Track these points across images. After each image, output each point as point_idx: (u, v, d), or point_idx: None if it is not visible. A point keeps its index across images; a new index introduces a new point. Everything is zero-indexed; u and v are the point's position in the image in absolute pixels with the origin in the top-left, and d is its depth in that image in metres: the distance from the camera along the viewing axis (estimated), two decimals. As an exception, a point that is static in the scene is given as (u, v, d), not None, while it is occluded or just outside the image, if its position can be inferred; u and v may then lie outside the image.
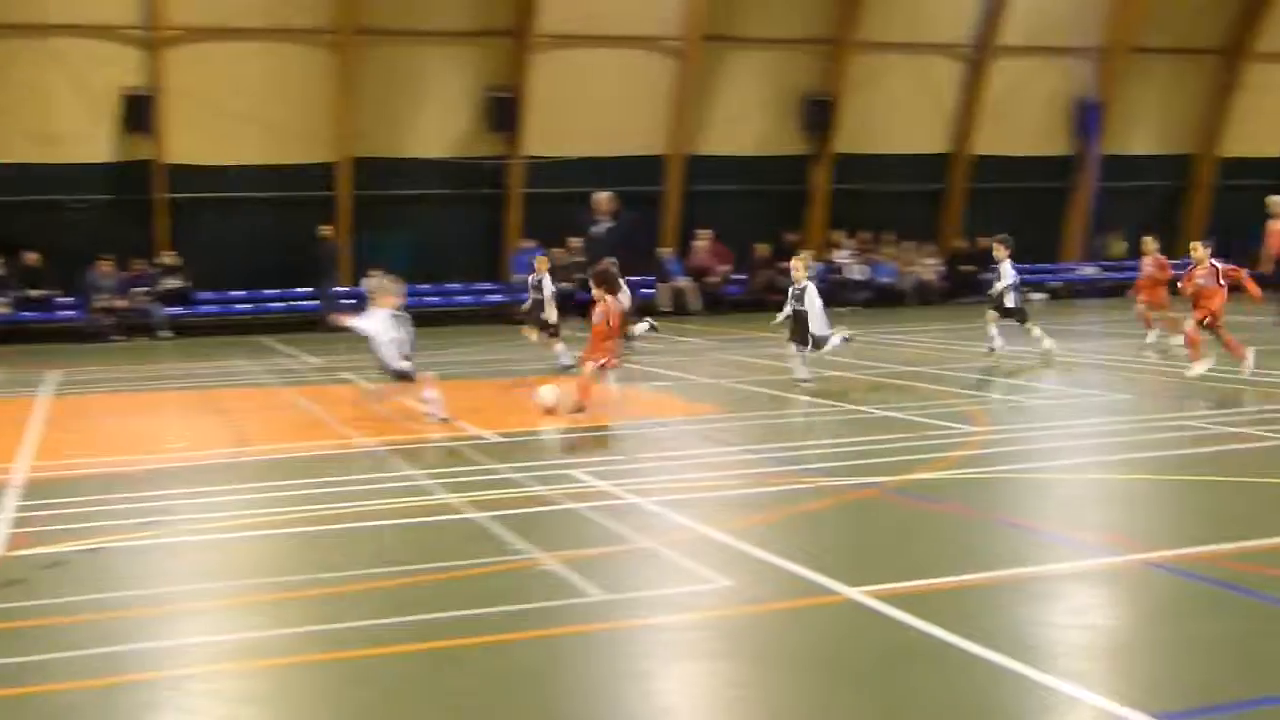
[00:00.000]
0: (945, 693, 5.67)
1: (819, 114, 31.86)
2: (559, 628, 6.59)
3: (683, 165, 31.24)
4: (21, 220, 26.64)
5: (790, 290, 16.17)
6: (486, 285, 30.59)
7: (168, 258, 27.57)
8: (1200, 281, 16.27)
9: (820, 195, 32.70)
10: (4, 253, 26.31)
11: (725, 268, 31.27)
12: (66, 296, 27.00)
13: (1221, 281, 16.17)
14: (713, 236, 31.11)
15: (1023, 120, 33.66)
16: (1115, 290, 33.49)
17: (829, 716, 5.45)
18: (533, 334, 18.88)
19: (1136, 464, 10.79)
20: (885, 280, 32.24)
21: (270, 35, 27.82)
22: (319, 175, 28.65)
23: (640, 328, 18.19)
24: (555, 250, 29.36)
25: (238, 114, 27.67)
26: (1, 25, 26.11)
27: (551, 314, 18.44)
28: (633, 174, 29.66)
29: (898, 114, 32.74)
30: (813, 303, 15.71)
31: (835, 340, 15.98)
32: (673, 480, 10.28)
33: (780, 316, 16.23)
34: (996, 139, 33.31)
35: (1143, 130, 35.08)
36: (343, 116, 28.27)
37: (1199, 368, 15.52)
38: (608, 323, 14.21)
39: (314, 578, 7.67)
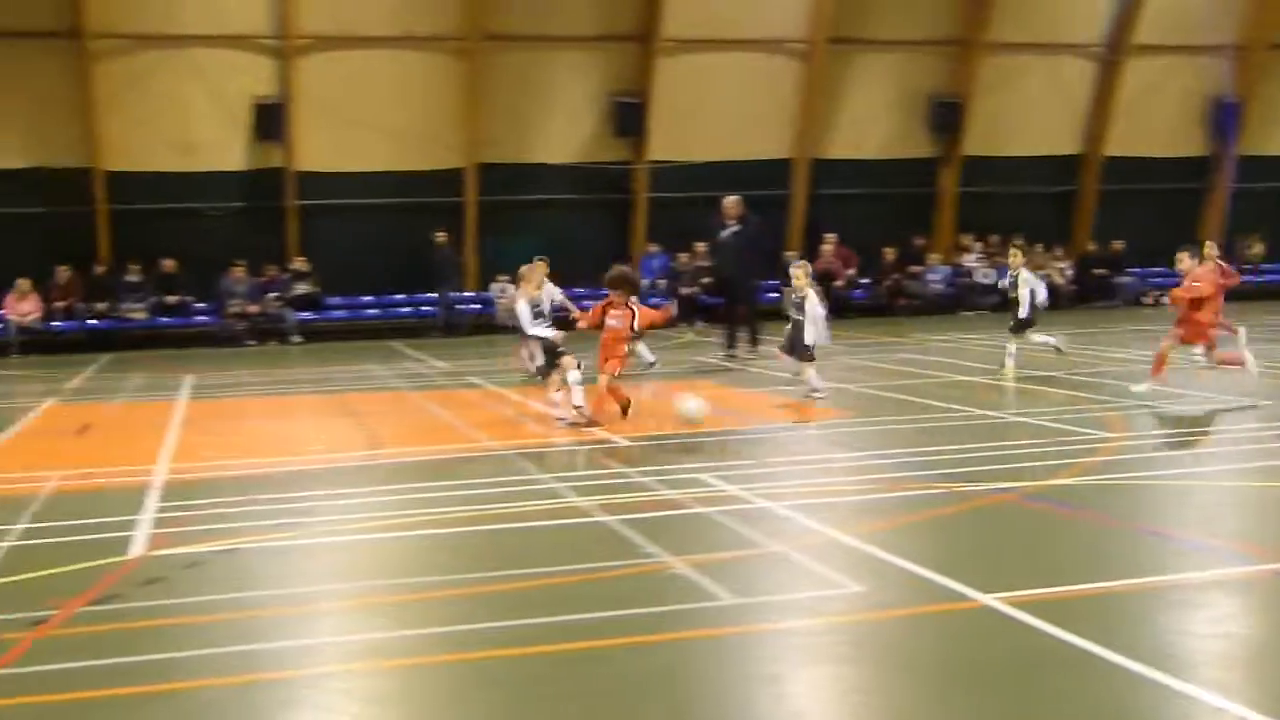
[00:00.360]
0: (1081, 701, 5.56)
1: (947, 116, 31.53)
2: (690, 631, 6.58)
3: (808, 169, 31.11)
4: (159, 228, 27.35)
5: (790, 297, 15.80)
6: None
7: (298, 263, 28.10)
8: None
9: (948, 198, 32.37)
10: (141, 260, 27.00)
11: (851, 272, 31.06)
12: (201, 302, 27.65)
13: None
14: (838, 240, 30.92)
15: (1156, 120, 32.99)
16: (1253, 295, 32.72)
17: (963, 718, 5.37)
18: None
19: (1276, 471, 10.51)
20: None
21: (398, 43, 28.20)
22: (446, 181, 28.99)
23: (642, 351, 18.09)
24: (681, 256, 29.50)
25: (366, 121, 28.12)
26: (141, 36, 26.79)
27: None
28: (758, 178, 29.57)
29: (1028, 115, 32.29)
30: (813, 311, 15.32)
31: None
32: (803, 485, 10.22)
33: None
34: (1129, 139, 32.68)
35: (1283, 130, 34.21)
36: (469, 123, 28.58)
37: None
38: (631, 326, 14.17)
39: (445, 579, 7.75)
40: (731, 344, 21.22)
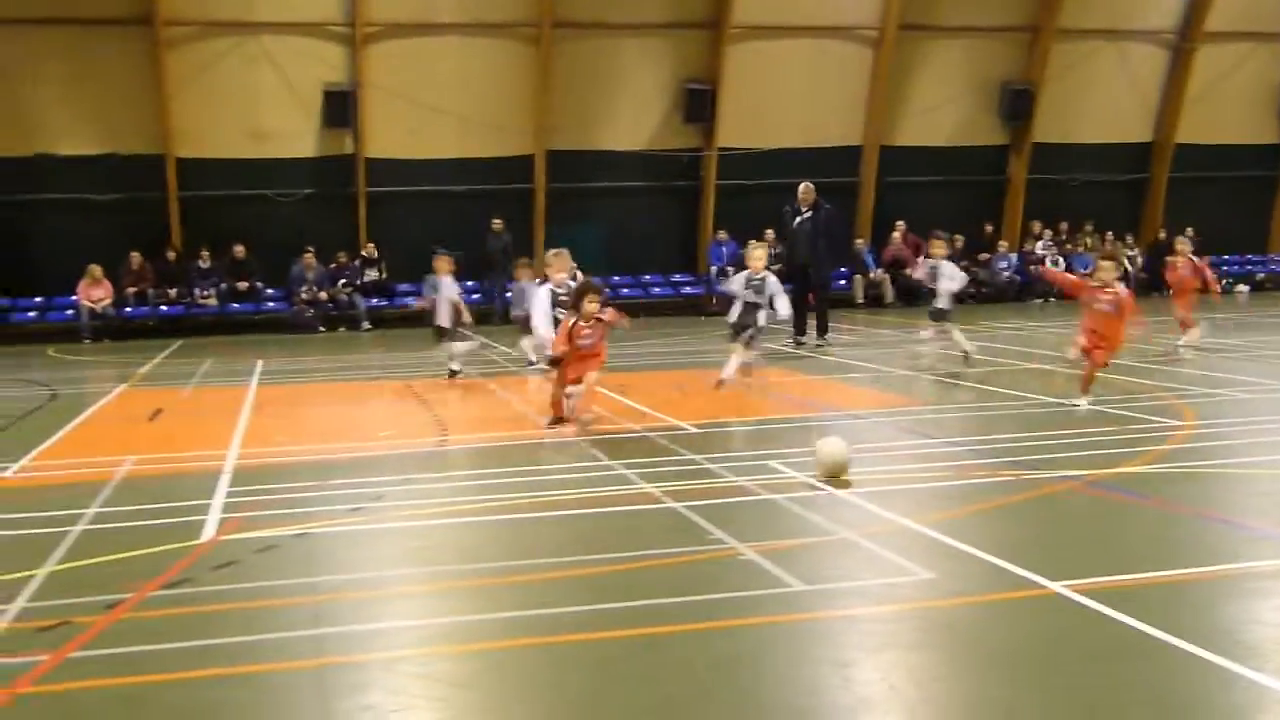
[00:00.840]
0: (1154, 689, 5.55)
1: (1018, 103, 31.32)
2: (760, 617, 6.61)
3: (877, 156, 30.99)
4: (229, 214, 27.70)
5: (747, 278, 15.36)
6: (682, 276, 30.74)
7: (368, 250, 28.32)
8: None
9: (1017, 185, 32.16)
10: (212, 246, 27.33)
11: (920, 260, 30.90)
12: (271, 288, 27.94)
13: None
14: (906, 228, 30.79)
15: (1228, 108, 32.61)
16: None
17: (1030, 710, 5.37)
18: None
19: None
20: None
21: (467, 30, 28.36)
22: (515, 168, 29.13)
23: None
24: (754, 242, 29.47)
25: (435, 108, 28.33)
26: (215, 23, 27.14)
27: (443, 316, 17.49)
28: (828, 165, 29.50)
29: (1098, 102, 32.02)
30: (777, 295, 15.10)
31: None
32: (871, 472, 10.20)
33: (723, 289, 16.13)
34: (1200, 127, 32.34)
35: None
36: (538, 109, 28.70)
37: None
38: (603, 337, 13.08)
39: (517, 564, 7.82)
40: (802, 331, 21.16)
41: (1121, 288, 13.72)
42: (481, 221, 28.21)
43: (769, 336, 22.28)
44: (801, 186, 21.20)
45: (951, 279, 18.08)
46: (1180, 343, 18.61)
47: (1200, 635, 6.04)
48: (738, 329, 15.27)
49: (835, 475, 9.79)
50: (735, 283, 15.55)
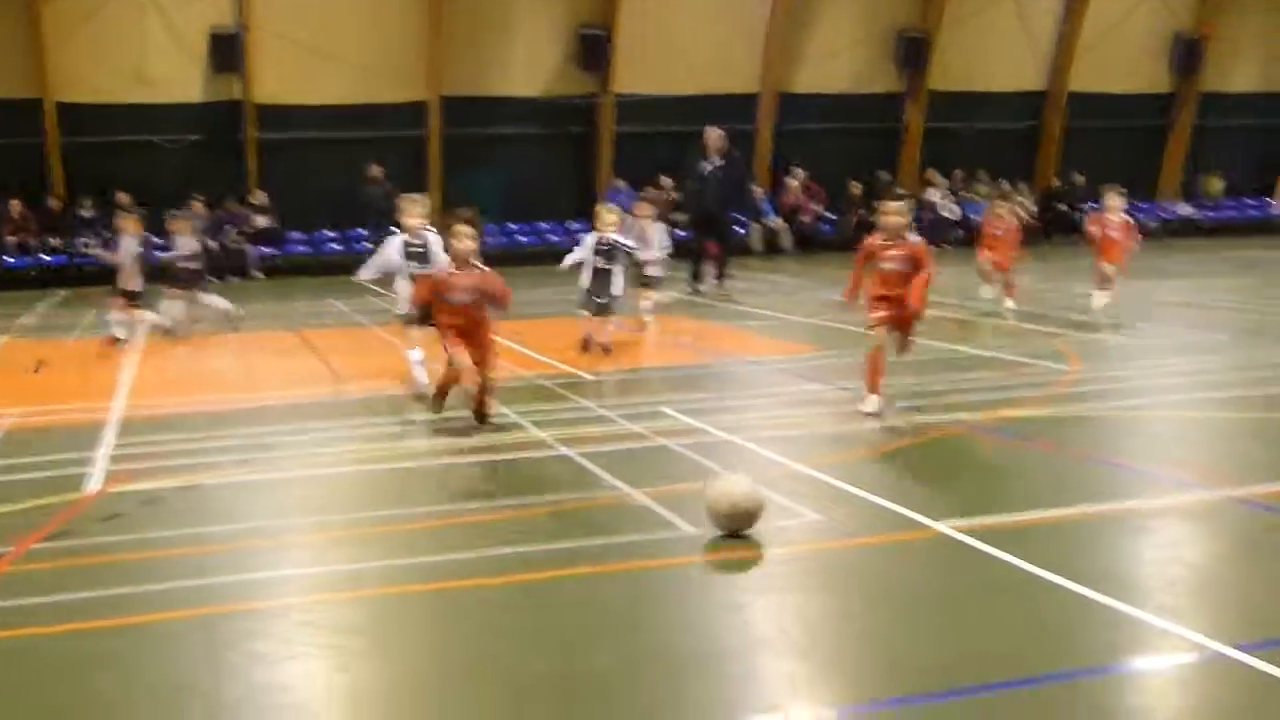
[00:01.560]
0: (1035, 624, 5.64)
1: (914, 51, 31.51)
2: (653, 561, 6.62)
3: (775, 103, 31.02)
4: (114, 161, 27.02)
5: (596, 242, 14.02)
6: (580, 224, 30.64)
7: (258, 198, 27.87)
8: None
9: (914, 133, 32.37)
10: (96, 194, 26.70)
11: (818, 207, 31.07)
12: (159, 237, 27.37)
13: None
14: (805, 176, 30.92)
15: (1121, 57, 33.07)
16: (1213, 230, 32.94)
17: (919, 646, 5.44)
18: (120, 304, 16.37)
19: (1229, 402, 10.62)
20: (978, 219, 31.86)
21: (359, -29, 27.92)
22: (409, 114, 28.79)
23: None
24: (652, 190, 29.37)
25: (326, 53, 27.89)
26: (94, -35, 26.45)
27: (133, 280, 16.37)
28: (724, 112, 29.40)
29: (994, 51, 32.32)
30: (617, 275, 14.00)
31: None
32: (765, 417, 10.26)
33: (569, 262, 14.36)
34: (1094, 76, 32.76)
35: (1245, 67, 34.30)
36: (432, 55, 28.38)
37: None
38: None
39: (409, 511, 7.77)
40: (699, 278, 21.17)
41: (913, 238, 10.84)
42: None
43: (667, 285, 22.35)
44: (715, 134, 20.94)
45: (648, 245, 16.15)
46: (1099, 302, 16.48)
47: (1082, 573, 6.14)
48: (588, 298, 14.08)
49: (740, 524, 7.00)
50: (582, 249, 14.19)
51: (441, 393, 10.46)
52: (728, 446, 9.26)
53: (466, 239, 9.98)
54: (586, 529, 7.23)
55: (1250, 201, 34.02)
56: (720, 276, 21.30)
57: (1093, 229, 17.30)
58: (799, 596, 6.13)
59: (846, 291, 10.86)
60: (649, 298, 16.20)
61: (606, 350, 13.82)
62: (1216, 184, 34.13)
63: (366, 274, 12.83)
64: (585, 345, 14.08)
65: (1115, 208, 17.08)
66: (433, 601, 6.18)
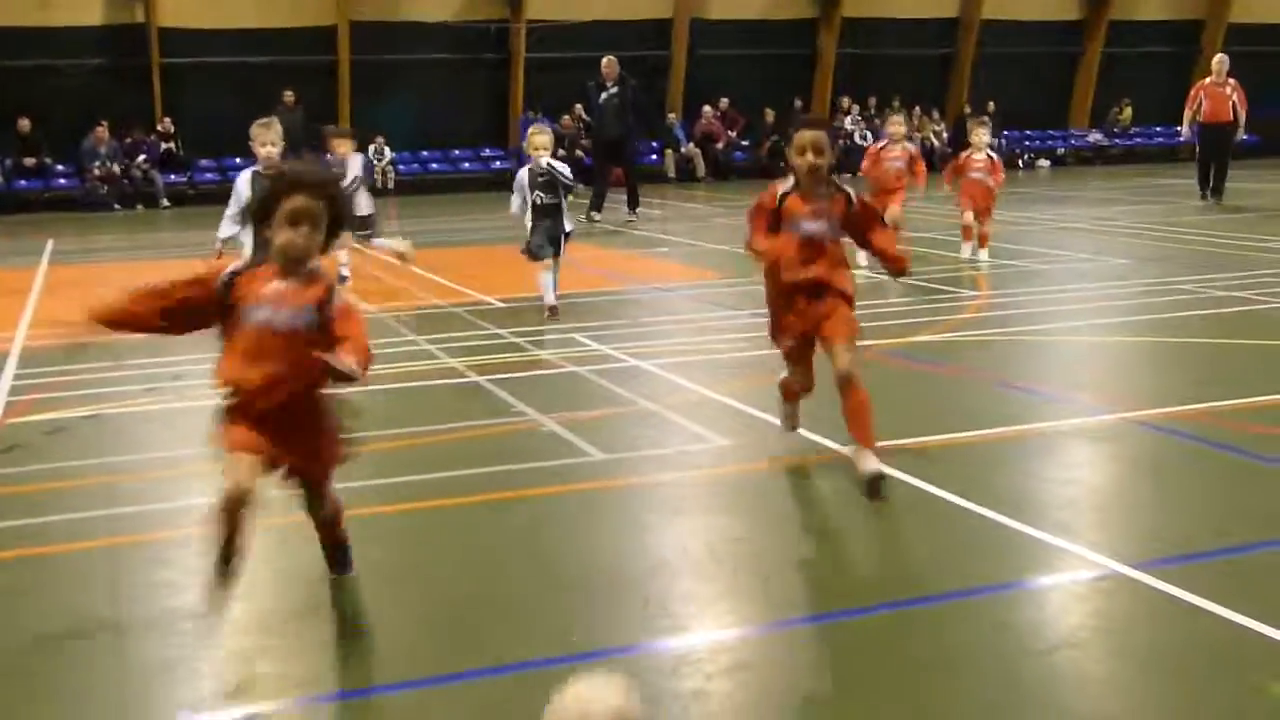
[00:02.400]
0: (939, 545, 5.75)
1: (826, -24, 31.45)
2: (560, 486, 6.65)
3: (688, 29, 30.86)
4: (13, 86, 26.31)
5: (531, 176, 11.65)
6: (493, 151, 30.42)
7: (164, 125, 27.36)
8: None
9: (827, 60, 32.37)
10: (-7, 119, 26.05)
11: (732, 134, 31.05)
12: (61, 165, 26.83)
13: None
14: (719, 103, 30.86)
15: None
16: (1121, 158, 33.33)
17: (824, 567, 5.53)
18: None
19: (1133, 326, 10.81)
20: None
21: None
22: (318, 39, 28.33)
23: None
24: (564, 119, 29.19)
25: (232, -26, 27.33)
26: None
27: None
28: (638, 39, 29.36)
29: (906, -23, 32.33)
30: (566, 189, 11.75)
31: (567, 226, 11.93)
32: (674, 343, 10.31)
33: (519, 211, 11.81)
34: (1006, 3, 32.87)
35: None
36: (341, -22, 27.90)
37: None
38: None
39: (317, 439, 7.71)
40: (599, 208, 20.95)
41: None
42: (282, 95, 27.41)
43: (576, 213, 22.25)
44: (604, 61, 20.98)
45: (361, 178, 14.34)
46: (974, 256, 14.90)
47: (985, 495, 6.25)
48: (539, 245, 11.70)
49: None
50: (518, 190, 11.78)
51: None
52: (638, 372, 9.29)
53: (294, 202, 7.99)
54: (496, 456, 7.24)
55: (1159, 129, 34.41)
56: (630, 203, 21.19)
57: (949, 174, 15.53)
58: (705, 520, 6.19)
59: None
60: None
61: (554, 312, 11.62)
62: (1126, 111, 34.49)
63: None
64: (553, 310, 11.63)
65: (980, 144, 15.07)
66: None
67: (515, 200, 11.80)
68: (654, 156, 29.83)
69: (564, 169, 11.78)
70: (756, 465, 6.96)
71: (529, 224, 11.65)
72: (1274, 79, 30.87)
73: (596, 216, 20.77)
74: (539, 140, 11.78)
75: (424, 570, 5.60)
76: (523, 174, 11.75)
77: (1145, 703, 4.20)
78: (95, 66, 27.14)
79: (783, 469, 6.93)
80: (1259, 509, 6.07)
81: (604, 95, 20.98)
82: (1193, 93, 22.18)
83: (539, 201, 11.61)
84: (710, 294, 12.90)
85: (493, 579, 5.42)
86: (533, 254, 11.73)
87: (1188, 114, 21.97)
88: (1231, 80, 21.57)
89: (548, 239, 11.63)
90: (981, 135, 15.18)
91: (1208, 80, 22.00)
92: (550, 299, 11.66)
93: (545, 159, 11.62)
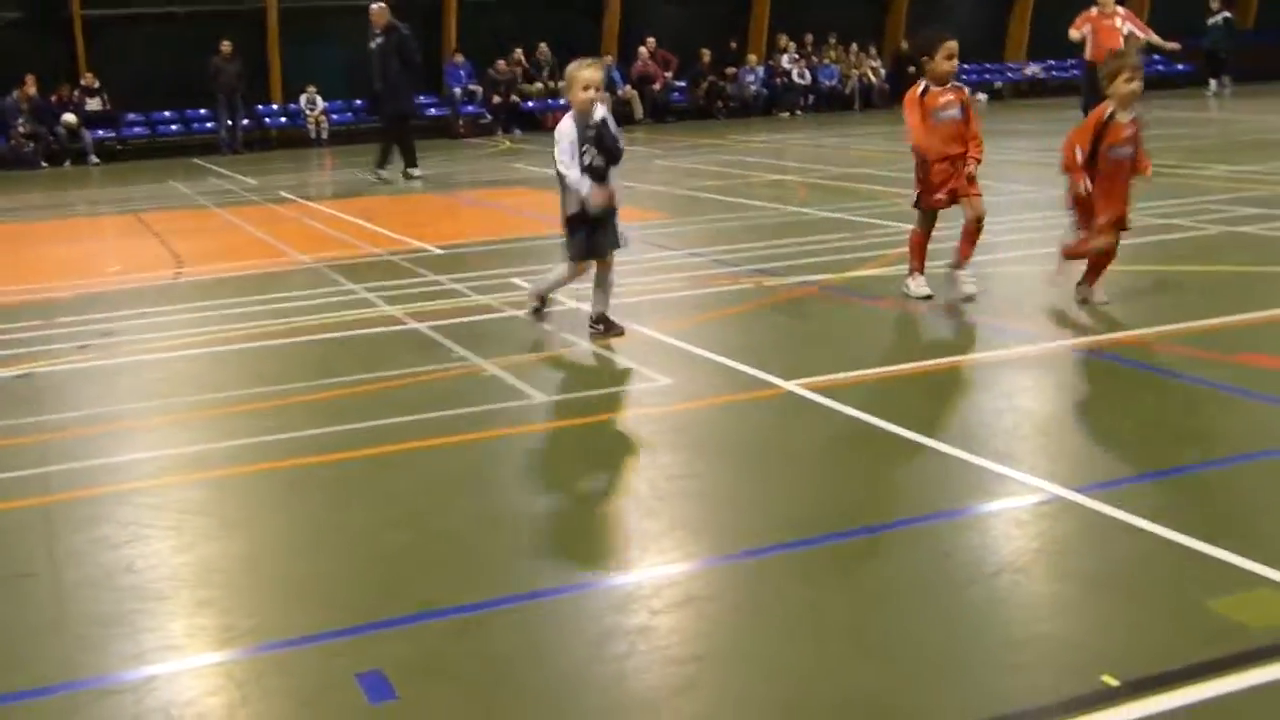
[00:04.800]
0: (882, 475, 5.76)
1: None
2: (502, 429, 6.61)
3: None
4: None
5: (573, 125, 8.21)
6: (426, 98, 30.11)
7: (87, 79, 26.87)
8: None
9: (762, -1, 32.26)
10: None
11: (669, 75, 30.90)
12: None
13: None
14: (655, 44, 30.68)
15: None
16: (1058, 90, 33.42)
17: (769, 500, 5.52)
18: None
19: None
20: (829, 84, 31.96)
21: None
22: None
23: None
24: (500, 63, 28.91)
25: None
26: None
27: None
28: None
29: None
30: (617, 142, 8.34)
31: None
32: (615, 285, 10.23)
33: (578, 183, 8.20)
34: (939, -64, 32.84)
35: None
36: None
37: None
38: None
39: (257, 391, 7.64)
40: (383, 164, 19.71)
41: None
42: (210, 45, 26.97)
43: (509, 156, 22.06)
44: (373, 8, 19.44)
45: None
46: None
47: (927, 425, 6.26)
48: (593, 235, 8.45)
49: None
50: (568, 148, 8.20)
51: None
52: (577, 314, 9.23)
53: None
54: (436, 401, 7.18)
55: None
56: (408, 161, 19.76)
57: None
58: (648, 457, 6.16)
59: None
60: None
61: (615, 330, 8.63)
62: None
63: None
64: (607, 324, 8.62)
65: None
66: (280, 479, 6.11)
67: (565, 156, 8.18)
68: (437, 111, 29.43)
69: (614, 125, 8.41)
70: (699, 403, 6.94)
71: (573, 201, 8.34)
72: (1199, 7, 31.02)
73: (382, 174, 19.53)
74: (587, 76, 8.23)
75: (366, 517, 5.55)
76: (567, 126, 8.23)
77: (1089, 623, 4.22)
78: (13, 20, 26.59)
79: (726, 406, 6.92)
80: (1195, 430, 6.12)
81: (372, 44, 19.47)
82: (1077, 22, 19.71)
83: (589, 162, 8.25)
84: (650, 235, 12.83)
85: (434, 522, 5.38)
86: (587, 251, 8.47)
87: (1074, 34, 19.67)
88: (1121, 10, 19.60)
89: (603, 226, 8.41)
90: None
91: (1094, 10, 19.43)
92: (596, 314, 8.66)
93: (601, 109, 8.24)
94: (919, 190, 9.22)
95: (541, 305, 8.89)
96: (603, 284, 8.59)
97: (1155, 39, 19.70)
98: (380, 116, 20.38)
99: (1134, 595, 4.38)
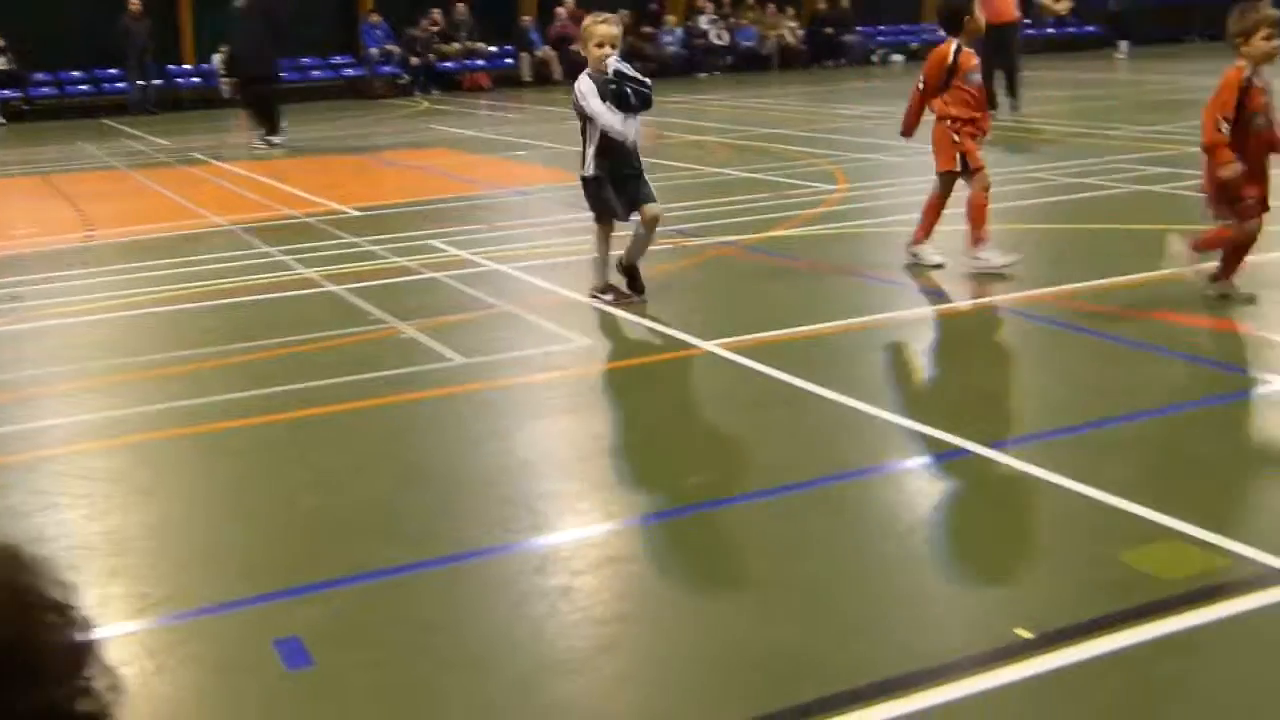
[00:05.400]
0: (802, 434, 5.79)
1: None
2: (420, 391, 6.57)
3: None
4: None
5: (590, 81, 7.97)
6: (342, 58, 29.77)
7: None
8: None
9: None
10: None
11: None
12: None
13: None
14: (574, 4, 30.45)
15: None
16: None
17: (690, 460, 5.54)
18: None
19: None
20: (747, 45, 31.94)
21: None
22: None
23: None
24: (423, 22, 28.61)
25: None
26: None
27: None
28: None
29: None
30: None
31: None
32: (534, 246, 10.22)
33: (618, 128, 7.90)
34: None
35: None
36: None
37: None
38: None
39: (174, 355, 7.54)
40: (274, 129, 18.83)
41: None
42: (120, 4, 26.40)
43: (430, 117, 21.85)
44: None
45: None
46: None
47: (845, 383, 6.29)
48: (613, 197, 8.11)
49: None
50: (591, 98, 7.91)
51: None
52: (497, 276, 9.20)
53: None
54: (355, 364, 7.12)
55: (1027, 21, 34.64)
56: (269, 129, 18.74)
57: None
58: (568, 419, 6.16)
59: None
60: None
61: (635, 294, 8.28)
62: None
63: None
64: (633, 280, 8.27)
65: None
66: (195, 444, 6.04)
67: (595, 103, 7.88)
68: (340, 71, 29.24)
69: (635, 74, 8.03)
70: (619, 364, 6.95)
71: (593, 160, 7.99)
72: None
73: (276, 140, 18.66)
74: (601, 31, 7.99)
75: (285, 481, 5.51)
76: (586, 83, 7.98)
77: (1002, 577, 4.28)
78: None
79: (646, 366, 6.92)
80: (1107, 386, 6.20)
81: (238, 2, 18.69)
82: None
83: (610, 123, 7.92)
84: (570, 196, 12.71)
85: (354, 486, 5.34)
86: (609, 209, 8.17)
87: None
88: None
89: (626, 185, 8.06)
90: None
91: None
92: (607, 277, 8.31)
93: (614, 60, 7.95)
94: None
95: (609, 289, 8.21)
96: (642, 246, 8.23)
97: (1049, 1, 18.76)
98: (240, 80, 19.42)
99: (1047, 549, 4.45)
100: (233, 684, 3.81)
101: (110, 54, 26.44)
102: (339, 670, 3.83)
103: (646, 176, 8.17)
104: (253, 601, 4.29)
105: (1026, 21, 18.01)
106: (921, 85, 8.82)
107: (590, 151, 8.00)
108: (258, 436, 6.07)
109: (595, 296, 8.17)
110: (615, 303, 8.10)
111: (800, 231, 10.38)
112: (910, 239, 8.93)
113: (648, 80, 8.05)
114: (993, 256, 8.48)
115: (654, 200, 8.13)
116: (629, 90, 7.88)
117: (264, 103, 18.76)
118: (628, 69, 8.02)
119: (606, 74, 7.89)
